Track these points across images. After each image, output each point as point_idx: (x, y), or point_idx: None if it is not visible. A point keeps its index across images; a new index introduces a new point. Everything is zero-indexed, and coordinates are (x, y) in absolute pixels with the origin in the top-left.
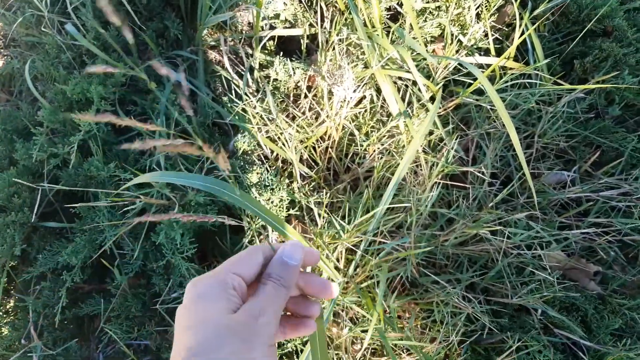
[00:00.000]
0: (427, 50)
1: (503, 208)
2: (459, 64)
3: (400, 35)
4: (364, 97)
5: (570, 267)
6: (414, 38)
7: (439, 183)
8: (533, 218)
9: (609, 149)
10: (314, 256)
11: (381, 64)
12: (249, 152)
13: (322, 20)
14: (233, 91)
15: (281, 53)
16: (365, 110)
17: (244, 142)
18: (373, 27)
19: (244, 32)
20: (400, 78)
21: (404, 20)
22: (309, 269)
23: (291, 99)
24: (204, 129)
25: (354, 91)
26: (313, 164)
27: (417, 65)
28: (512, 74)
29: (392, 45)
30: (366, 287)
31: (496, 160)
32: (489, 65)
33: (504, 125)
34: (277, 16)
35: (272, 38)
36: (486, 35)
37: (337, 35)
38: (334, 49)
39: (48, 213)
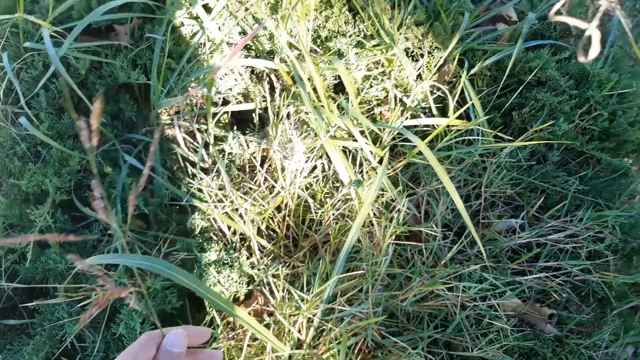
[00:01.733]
0: (374, 112)
1: (458, 259)
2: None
3: (345, 107)
4: (316, 166)
5: (526, 312)
6: (360, 104)
7: (393, 244)
8: (488, 267)
9: (553, 193)
10: (203, 336)
11: (329, 134)
12: (207, 229)
13: (273, 93)
14: (189, 169)
15: (235, 126)
16: (318, 180)
17: (200, 220)
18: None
19: (196, 108)
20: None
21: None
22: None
23: (247, 171)
24: (161, 209)
25: (306, 162)
26: (273, 233)
27: (363, 132)
28: (455, 131)
29: (338, 116)
30: (328, 357)
31: (448, 213)
32: (435, 124)
33: (452, 179)
34: (230, 89)
35: (227, 112)
36: (432, 92)
37: (286, 107)
38: (283, 123)
39: (7, 308)
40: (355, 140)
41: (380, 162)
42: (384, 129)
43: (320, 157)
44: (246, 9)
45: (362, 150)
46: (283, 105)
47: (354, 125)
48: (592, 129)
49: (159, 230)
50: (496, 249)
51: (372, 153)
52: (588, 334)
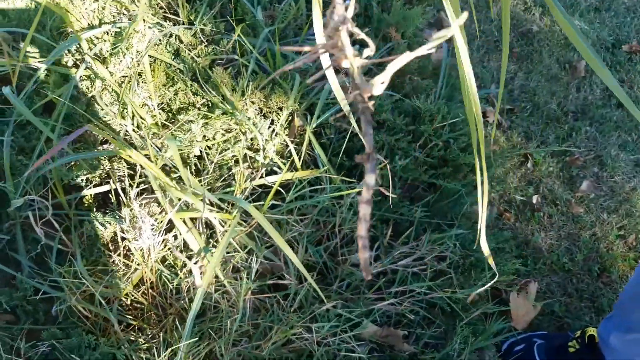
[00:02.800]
0: (232, 173)
1: (322, 298)
2: (264, 176)
3: (188, 183)
4: (167, 239)
5: (386, 335)
6: (220, 166)
7: (252, 298)
8: (348, 300)
9: (402, 221)
10: None
11: (175, 209)
12: (72, 314)
13: (134, 172)
14: (54, 257)
15: (94, 208)
16: (172, 251)
17: (63, 308)
18: (170, 173)
19: (50, 194)
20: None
21: (200, 162)
22: None
23: (106, 252)
24: (26, 301)
25: (155, 237)
26: (141, 306)
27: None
28: (303, 181)
29: (181, 191)
30: None
31: (308, 255)
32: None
33: (305, 227)
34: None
35: (85, 195)
36: (286, 146)
37: (136, 187)
38: (131, 204)
39: None
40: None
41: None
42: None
43: (171, 230)
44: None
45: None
46: (132, 185)
47: (197, 198)
48: (428, 160)
49: (27, 322)
50: (356, 281)
51: (218, 220)
52: (437, 349)
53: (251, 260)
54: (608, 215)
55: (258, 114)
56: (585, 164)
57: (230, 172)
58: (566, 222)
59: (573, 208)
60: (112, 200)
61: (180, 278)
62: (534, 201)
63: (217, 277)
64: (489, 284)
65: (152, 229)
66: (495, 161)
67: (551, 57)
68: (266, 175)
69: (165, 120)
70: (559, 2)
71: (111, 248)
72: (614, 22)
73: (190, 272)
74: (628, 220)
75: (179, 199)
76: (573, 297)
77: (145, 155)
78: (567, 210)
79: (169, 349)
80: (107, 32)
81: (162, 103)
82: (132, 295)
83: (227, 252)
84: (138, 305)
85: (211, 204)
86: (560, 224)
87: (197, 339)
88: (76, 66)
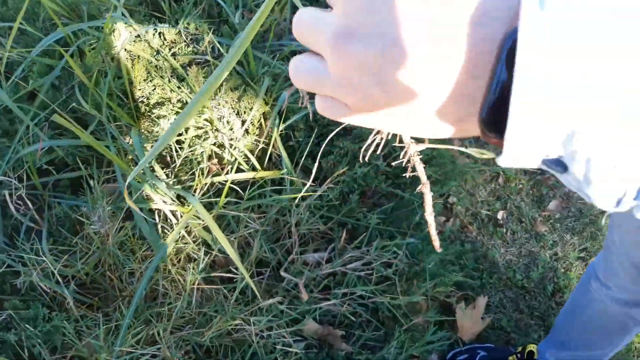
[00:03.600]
0: (203, 169)
1: (273, 292)
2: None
3: (148, 175)
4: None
5: (326, 333)
6: (191, 161)
7: (199, 287)
8: (295, 297)
9: (359, 227)
10: None
11: (133, 198)
12: (32, 289)
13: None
14: (22, 233)
15: (69, 191)
16: (129, 238)
17: (26, 281)
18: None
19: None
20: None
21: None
22: None
23: (69, 234)
24: None
25: (114, 224)
26: (100, 286)
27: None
28: (265, 180)
29: (147, 184)
30: None
31: (263, 252)
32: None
33: (262, 224)
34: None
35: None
36: (257, 146)
37: (104, 175)
38: (95, 190)
39: None
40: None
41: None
42: (197, 186)
43: (129, 218)
44: None
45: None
46: (100, 175)
47: (159, 193)
48: (389, 170)
49: None
50: (306, 280)
51: (178, 212)
52: (373, 351)
53: (202, 252)
54: (572, 236)
55: (231, 113)
56: (557, 183)
57: (200, 167)
58: (529, 240)
59: (537, 226)
60: (84, 186)
61: (135, 266)
62: (499, 217)
63: (165, 265)
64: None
65: (111, 216)
66: (464, 174)
67: None
68: (235, 172)
69: (141, 113)
70: None
71: (77, 230)
72: None
73: (144, 258)
74: (591, 242)
75: (140, 190)
76: (524, 314)
77: (115, 146)
78: (531, 228)
79: (113, 326)
80: (92, 27)
81: (142, 96)
82: (92, 276)
83: (185, 243)
84: (97, 285)
85: (178, 197)
86: (522, 241)
87: (140, 320)
88: (60, 58)
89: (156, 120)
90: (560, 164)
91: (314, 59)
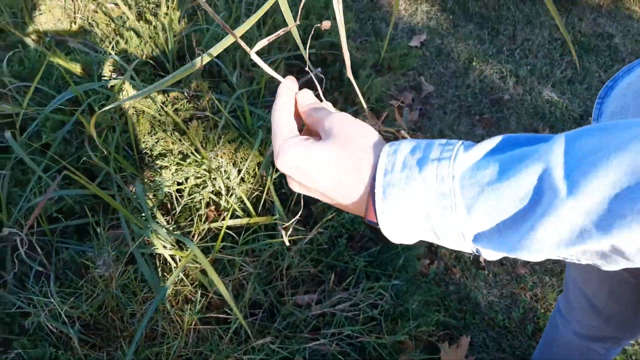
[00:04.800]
0: (201, 215)
1: (266, 332)
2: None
3: (150, 222)
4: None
5: None
6: (190, 208)
7: (197, 328)
8: (287, 337)
9: (347, 269)
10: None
11: (137, 244)
12: (40, 329)
13: (107, 209)
14: (31, 277)
15: (76, 237)
16: (131, 281)
17: (34, 322)
18: (141, 212)
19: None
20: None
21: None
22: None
23: (76, 277)
24: (6, 314)
25: (117, 268)
26: (103, 326)
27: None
28: (259, 225)
29: (147, 229)
30: None
31: (256, 294)
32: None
33: (256, 267)
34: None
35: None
36: (252, 192)
37: (109, 222)
38: (101, 236)
39: None
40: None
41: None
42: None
43: (132, 261)
44: None
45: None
46: (106, 221)
47: (160, 239)
48: None
49: (4, 332)
50: (297, 321)
51: (175, 256)
52: None
53: (198, 294)
54: (550, 277)
55: (228, 163)
56: None
57: (199, 213)
58: (510, 281)
59: (518, 269)
60: (90, 232)
61: (135, 304)
62: (481, 259)
63: (165, 307)
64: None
65: (115, 260)
66: None
67: (519, 124)
68: (231, 218)
69: (145, 163)
70: (534, 73)
71: (83, 274)
72: (585, 94)
73: (145, 300)
74: None
75: (142, 236)
76: (506, 353)
77: (120, 195)
78: (512, 270)
79: None
80: (102, 86)
81: (146, 148)
82: (96, 317)
83: (183, 286)
84: (100, 326)
85: (177, 242)
86: (504, 282)
87: (140, 359)
88: (71, 114)
89: (158, 170)
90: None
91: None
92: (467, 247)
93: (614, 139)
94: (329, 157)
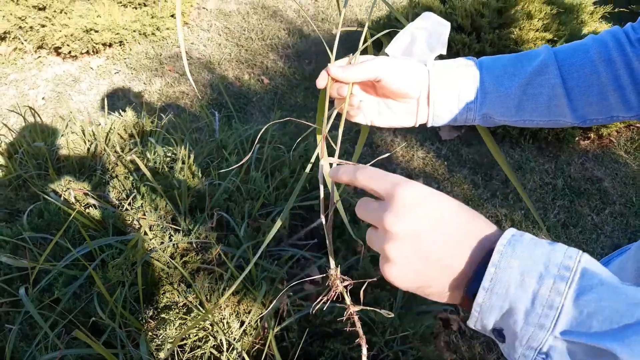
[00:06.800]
0: None
1: None
2: None
3: None
4: None
5: None
6: None
7: None
8: None
9: None
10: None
11: None
12: None
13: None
14: None
15: None
16: None
17: None
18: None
19: None
20: None
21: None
22: None
23: None
24: None
25: None
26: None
27: None
28: None
29: None
30: None
31: None
32: None
33: None
34: None
35: None
36: (254, 345)
37: None
38: None
39: None
40: None
41: None
42: None
43: None
44: None
45: None
46: None
47: None
48: None
49: None
50: None
51: None
52: None
53: None
54: None
55: (231, 314)
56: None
57: None
58: None
59: None
60: None
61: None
62: None
63: None
64: None
65: None
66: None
67: None
68: None
69: (149, 317)
70: (529, 217)
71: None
72: (580, 237)
73: None
74: None
75: None
76: None
77: (123, 353)
78: None
79: None
80: (117, 240)
81: (151, 300)
82: None
83: None
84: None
85: None
86: None
87: None
88: (84, 267)
89: (162, 325)
90: (501, 335)
91: (376, 207)
92: None
93: None
94: (457, 205)
